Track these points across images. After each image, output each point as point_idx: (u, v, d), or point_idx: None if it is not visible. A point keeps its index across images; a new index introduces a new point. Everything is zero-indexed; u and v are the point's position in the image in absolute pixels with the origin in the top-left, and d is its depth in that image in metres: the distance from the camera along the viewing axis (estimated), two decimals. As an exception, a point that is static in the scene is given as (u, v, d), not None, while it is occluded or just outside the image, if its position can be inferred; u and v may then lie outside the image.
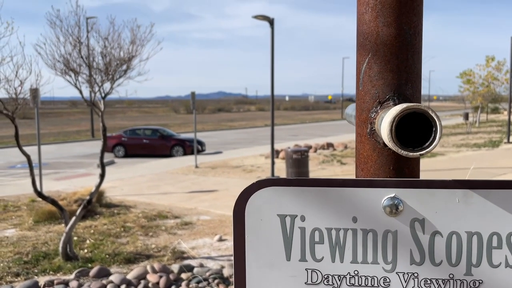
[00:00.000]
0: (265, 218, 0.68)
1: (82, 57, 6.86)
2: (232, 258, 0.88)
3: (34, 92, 9.27)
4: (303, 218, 0.66)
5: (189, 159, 17.17)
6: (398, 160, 0.72)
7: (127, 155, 19.69)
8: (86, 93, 7.10)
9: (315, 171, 13.55)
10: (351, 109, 0.89)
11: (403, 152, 0.64)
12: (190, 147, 19.16)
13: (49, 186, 11.81)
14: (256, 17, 12.14)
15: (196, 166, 15.20)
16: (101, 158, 6.45)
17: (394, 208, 0.66)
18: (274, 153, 13.60)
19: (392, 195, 0.66)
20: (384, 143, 0.73)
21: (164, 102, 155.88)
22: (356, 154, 0.78)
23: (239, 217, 0.69)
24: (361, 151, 0.76)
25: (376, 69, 0.75)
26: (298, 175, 11.18)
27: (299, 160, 11.18)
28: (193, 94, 15.51)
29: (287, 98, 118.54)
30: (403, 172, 0.71)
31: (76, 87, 7.04)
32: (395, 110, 0.64)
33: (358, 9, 0.77)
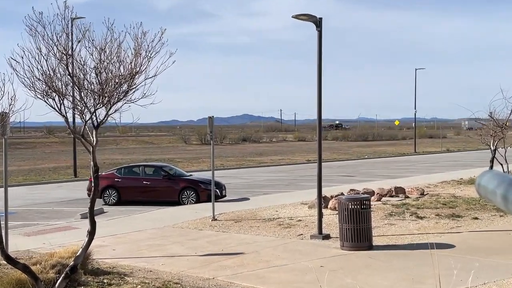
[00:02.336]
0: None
1: (70, 74, 7.12)
2: None
3: (2, 117, 9.35)
4: None
5: (205, 208, 17.28)
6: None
7: (120, 201, 20.04)
8: (72, 119, 7.37)
9: (380, 227, 13.29)
10: (492, 179, 0.73)
11: None
12: (205, 192, 19.31)
13: (17, 244, 12.06)
14: (298, 16, 12.34)
15: (214, 218, 15.23)
16: (91, 209, 6.56)
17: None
18: (322, 201, 13.50)
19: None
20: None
21: (170, 129, 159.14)
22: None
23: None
24: None
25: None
26: (357, 232, 11.01)
27: (357, 211, 11.04)
28: (210, 119, 15.76)
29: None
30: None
31: (61, 113, 7.27)
32: None
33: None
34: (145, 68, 7.56)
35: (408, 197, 18.53)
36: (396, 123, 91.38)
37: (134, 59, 7.45)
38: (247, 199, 20.19)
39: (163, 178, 19.98)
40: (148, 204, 19.45)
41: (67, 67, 7.22)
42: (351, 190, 18.23)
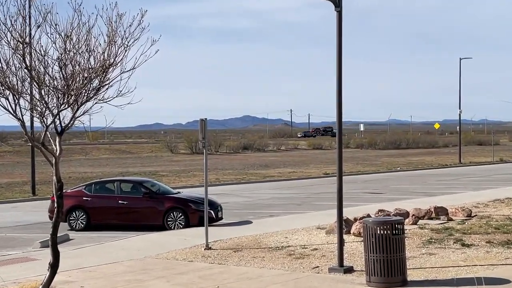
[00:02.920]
0: None
1: (27, 67, 7.13)
2: None
3: None
4: None
5: (196, 234, 17.25)
6: None
7: (90, 225, 20.05)
8: (31, 123, 7.38)
9: (417, 258, 13.25)
10: None
11: None
12: (197, 213, 19.33)
13: (-37, 279, 12.10)
14: (312, -6, 12.45)
15: (208, 247, 15.23)
16: (53, 235, 6.56)
17: None
18: (343, 225, 13.46)
19: None
20: None
21: (152, 134, 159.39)
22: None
23: None
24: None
25: None
26: (388, 264, 10.98)
27: (388, 238, 11.01)
28: (203, 122, 15.80)
29: (362, 128, 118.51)
30: None
31: (16, 116, 7.27)
32: None
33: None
34: (121, 59, 7.60)
35: (451, 219, 18.45)
36: (436, 126, 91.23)
37: (107, 48, 7.48)
38: (249, 222, 20.13)
39: (143, 197, 19.97)
40: (125, 229, 19.39)
41: (24, 59, 7.25)
42: (380, 211, 18.18)
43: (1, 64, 7.45)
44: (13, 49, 7.44)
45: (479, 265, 12.46)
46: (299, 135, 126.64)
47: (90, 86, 7.46)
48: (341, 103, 12.74)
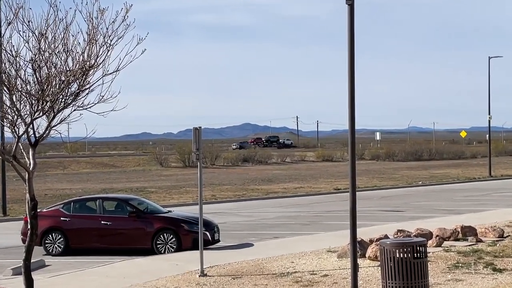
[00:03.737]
0: None
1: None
2: None
3: None
4: None
5: (190, 259, 17.18)
6: None
7: (69, 249, 20.00)
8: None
9: (442, 285, 13.21)
10: None
11: None
12: (190, 235, 19.30)
13: None
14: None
15: (203, 274, 15.19)
16: (27, 261, 6.54)
17: None
18: (358, 248, 13.41)
19: None
20: None
21: (140, 145, 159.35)
22: None
23: None
24: None
25: None
26: (408, 293, 10.91)
27: (408, 262, 10.97)
28: (197, 131, 15.82)
29: (378, 137, 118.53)
30: None
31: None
32: None
33: None
34: (103, 60, 7.61)
35: (480, 240, 18.38)
36: (463, 134, 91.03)
37: (87, 48, 7.49)
38: (250, 245, 20.09)
39: (129, 216, 19.95)
40: (109, 253, 19.34)
41: (-7, 60, 7.25)
42: (399, 231, 18.13)
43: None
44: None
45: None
46: (233, 147, 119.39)
47: (68, 90, 7.47)
48: (354, 108, 12.73)
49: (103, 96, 7.73)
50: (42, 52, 7.41)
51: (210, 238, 19.39)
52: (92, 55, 7.59)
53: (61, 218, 20.19)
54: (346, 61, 12.72)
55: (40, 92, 7.33)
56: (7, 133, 7.60)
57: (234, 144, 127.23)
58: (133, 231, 19.80)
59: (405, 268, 11.00)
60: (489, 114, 53.48)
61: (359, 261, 13.85)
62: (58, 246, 20.02)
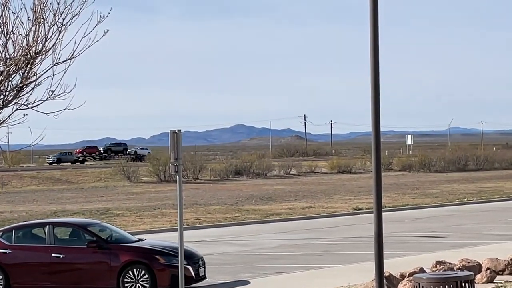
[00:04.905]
0: None
1: None
2: None
3: None
4: None
5: (167, 302, 17.10)
6: None
7: (10, 291, 19.92)
8: None
9: (494, 332, 13.20)
10: None
11: None
12: (167, 270, 19.24)
13: None
14: None
15: (185, 320, 15.11)
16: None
17: None
18: (384, 285, 13.39)
19: None
20: None
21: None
22: None
23: None
24: None
25: None
26: None
27: (450, 303, 10.95)
28: (175, 135, 15.82)
29: (409, 141, 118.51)
30: None
31: None
32: None
33: None
34: (54, 44, 7.58)
35: (544, 274, 18.36)
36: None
37: (32, 29, 7.47)
38: (245, 283, 20.08)
39: (88, 247, 19.87)
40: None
41: None
42: (439, 263, 18.11)
43: None
44: None
45: None
46: (48, 161, 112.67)
47: (7, 84, 7.46)
48: (378, 104, 12.75)
49: (53, 91, 7.73)
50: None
51: (193, 274, 19.30)
52: (39, 38, 7.59)
53: (0, 251, 20.12)
54: (368, 43, 12.73)
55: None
56: None
57: (49, 156, 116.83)
58: (93, 266, 19.70)
59: (447, 311, 11.01)
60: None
61: (387, 302, 13.83)
62: (-6, 286, 19.96)
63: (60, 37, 7.67)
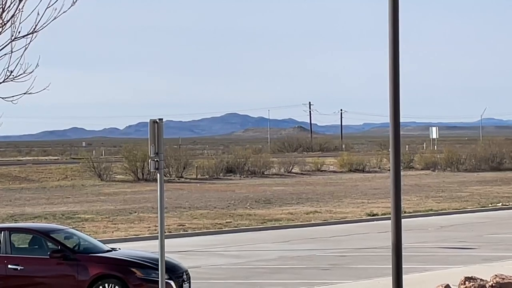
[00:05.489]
0: None
1: None
2: None
3: None
4: None
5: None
6: None
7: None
8: None
9: None
10: None
11: None
12: (145, 285, 19.24)
13: None
14: None
15: None
16: None
17: None
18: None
19: None
20: None
21: (67, 147, 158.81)
22: None
23: None
24: None
25: None
26: None
27: (482, 328, 11.02)
28: (156, 125, 15.85)
29: (434, 134, 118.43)
30: None
31: None
32: None
33: None
34: (13, 16, 7.57)
35: None
36: None
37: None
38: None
39: (52, 257, 19.87)
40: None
41: None
42: (468, 279, 18.16)
43: None
44: None
45: None
46: None
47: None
48: (398, 92, 12.77)
49: (11, 72, 7.73)
50: None
51: (175, 292, 19.35)
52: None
53: None
54: (387, 18, 12.75)
55: None
56: None
57: None
58: (57, 280, 19.69)
59: (478, 336, 11.07)
60: None
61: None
62: None
63: (20, 7, 7.66)
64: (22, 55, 7.76)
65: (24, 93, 7.77)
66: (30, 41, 7.70)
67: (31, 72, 7.78)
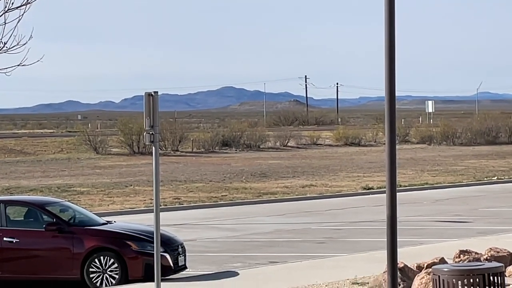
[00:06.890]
0: None
1: None
2: None
3: None
4: None
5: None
6: None
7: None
8: None
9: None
10: None
11: None
12: (140, 258, 19.30)
13: None
14: None
15: (161, 318, 15.17)
16: None
17: None
18: (398, 277, 13.43)
19: None
20: None
21: (62, 120, 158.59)
22: None
23: None
24: None
25: None
26: None
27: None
28: (151, 97, 15.82)
29: (430, 107, 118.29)
30: None
31: None
32: None
33: None
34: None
35: None
36: None
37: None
38: (233, 274, 20.09)
39: (47, 230, 19.85)
40: (14, 285, 19.42)
41: None
42: (463, 252, 18.16)
43: None
44: None
45: None
46: None
47: None
48: (393, 65, 12.73)
49: (5, 43, 7.70)
50: None
51: (171, 264, 19.32)
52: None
53: None
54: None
55: None
56: None
57: None
58: (53, 252, 19.70)
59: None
60: None
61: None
62: None
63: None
64: (15, 26, 7.72)
65: (18, 65, 7.75)
66: (24, 13, 7.66)
67: (24, 44, 7.75)
